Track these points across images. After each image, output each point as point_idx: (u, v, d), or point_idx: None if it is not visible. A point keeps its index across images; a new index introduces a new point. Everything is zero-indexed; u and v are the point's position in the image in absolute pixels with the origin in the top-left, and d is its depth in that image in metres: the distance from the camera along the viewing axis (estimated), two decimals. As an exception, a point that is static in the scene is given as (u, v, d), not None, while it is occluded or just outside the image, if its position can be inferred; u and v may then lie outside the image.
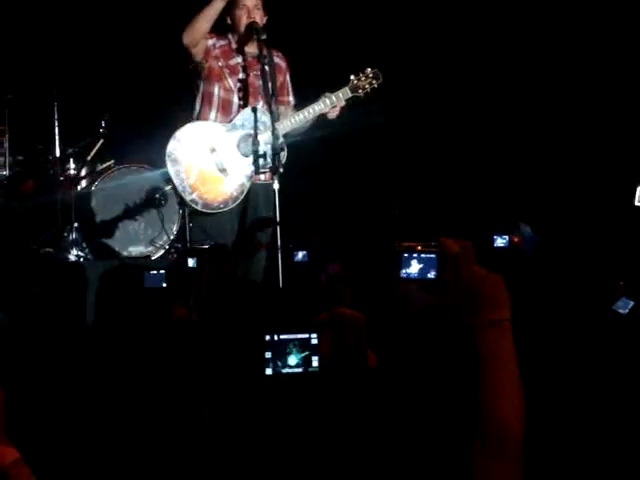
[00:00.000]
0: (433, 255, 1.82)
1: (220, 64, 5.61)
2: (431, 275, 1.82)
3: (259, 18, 5.51)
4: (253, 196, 5.59)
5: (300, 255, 5.47)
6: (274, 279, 5.15)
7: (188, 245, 6.41)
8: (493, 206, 7.05)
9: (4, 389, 2.03)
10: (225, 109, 5.60)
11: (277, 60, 5.73)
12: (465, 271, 1.78)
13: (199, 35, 5.47)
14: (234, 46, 5.66)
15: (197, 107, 5.64)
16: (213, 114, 5.60)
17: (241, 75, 5.65)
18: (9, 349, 4.54)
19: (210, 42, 5.59)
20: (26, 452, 1.99)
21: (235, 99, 5.62)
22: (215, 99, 5.59)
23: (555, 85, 7.10)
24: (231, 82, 5.62)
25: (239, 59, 5.66)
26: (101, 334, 4.88)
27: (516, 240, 5.19)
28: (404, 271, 1.85)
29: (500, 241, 5.26)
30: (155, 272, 4.46)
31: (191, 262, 4.55)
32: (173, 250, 6.56)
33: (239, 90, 5.63)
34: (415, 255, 1.84)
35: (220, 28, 5.67)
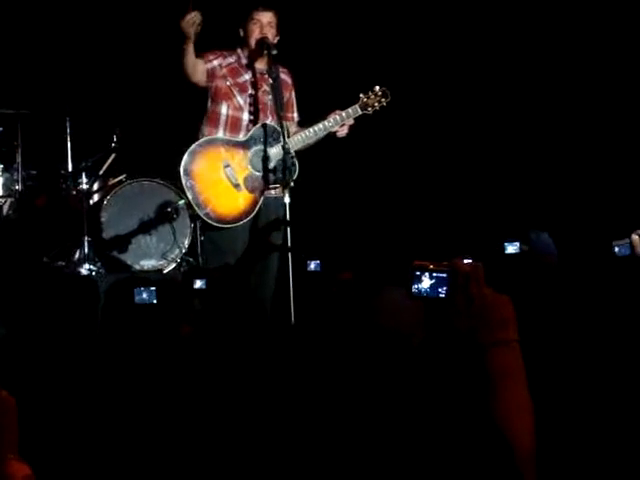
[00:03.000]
0: (445, 274, 1.85)
1: (228, 83, 5.64)
2: (442, 294, 1.85)
3: (271, 35, 5.55)
4: (264, 210, 5.63)
5: (313, 265, 5.52)
6: (285, 291, 5.21)
7: (200, 259, 6.45)
8: (502, 213, 7.07)
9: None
10: (234, 126, 5.63)
11: (283, 76, 5.75)
12: (476, 291, 1.82)
13: (190, 70, 5.50)
14: (243, 62, 5.70)
15: (203, 127, 5.66)
16: (220, 133, 5.63)
17: (250, 92, 5.70)
18: (12, 361, 4.56)
19: (215, 63, 5.62)
20: (35, 467, 1.96)
21: (245, 116, 5.65)
22: (223, 118, 5.62)
23: (565, 88, 7.13)
24: (241, 100, 5.66)
25: (247, 76, 5.69)
26: (104, 348, 4.92)
27: (524, 249, 5.21)
28: (415, 287, 1.88)
29: (511, 248, 5.28)
30: (146, 288, 4.47)
31: (199, 283, 4.58)
32: (185, 263, 6.61)
33: (250, 105, 5.67)
34: (427, 274, 1.87)
35: (231, 42, 5.74)
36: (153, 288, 4.18)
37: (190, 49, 5.42)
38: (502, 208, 7.15)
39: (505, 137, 7.35)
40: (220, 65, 5.64)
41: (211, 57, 5.62)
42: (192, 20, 5.30)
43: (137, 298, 4.21)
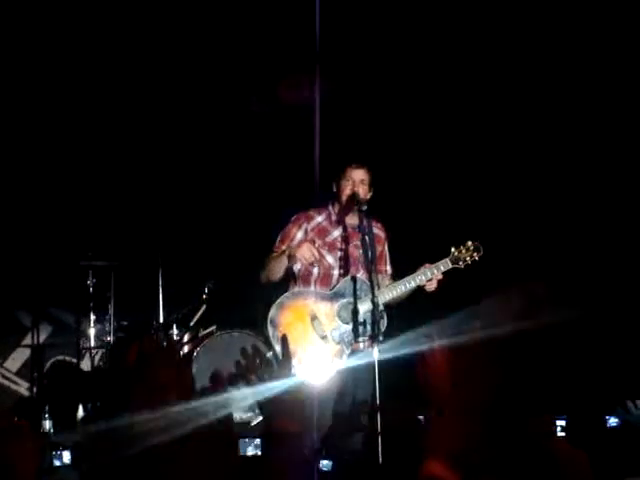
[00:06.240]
0: None
1: (317, 245, 5.69)
2: None
3: (362, 192, 5.62)
4: (352, 363, 5.59)
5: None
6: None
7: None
8: (604, 385, 6.83)
9: None
10: (325, 281, 5.69)
11: (376, 230, 5.80)
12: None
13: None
14: (334, 218, 5.78)
15: (295, 285, 5.74)
16: (311, 288, 5.70)
17: (340, 247, 5.75)
18: None
19: (303, 228, 5.76)
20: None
21: (336, 272, 5.70)
22: (314, 277, 5.68)
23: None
24: (331, 259, 5.71)
25: (337, 232, 5.77)
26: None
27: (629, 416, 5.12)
28: None
29: (613, 420, 5.20)
30: (250, 441, 4.43)
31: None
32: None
33: (340, 260, 5.72)
34: None
35: (322, 198, 5.84)
36: (258, 441, 4.17)
37: (285, 267, 5.65)
38: (601, 378, 6.91)
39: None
40: (306, 230, 5.75)
41: (301, 220, 5.78)
42: (313, 256, 5.52)
43: (242, 450, 4.20)
